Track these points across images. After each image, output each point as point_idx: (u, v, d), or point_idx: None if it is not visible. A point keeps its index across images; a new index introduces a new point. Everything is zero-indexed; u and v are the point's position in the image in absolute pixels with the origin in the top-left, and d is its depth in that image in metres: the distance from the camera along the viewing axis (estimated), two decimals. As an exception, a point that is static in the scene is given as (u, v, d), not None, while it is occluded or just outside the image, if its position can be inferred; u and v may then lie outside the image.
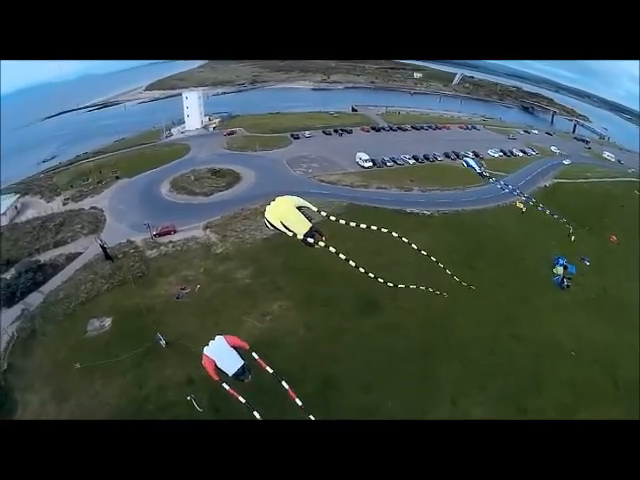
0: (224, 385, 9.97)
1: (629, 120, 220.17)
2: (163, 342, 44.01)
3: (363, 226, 11.24)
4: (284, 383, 10.19)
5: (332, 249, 9.92)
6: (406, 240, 13.85)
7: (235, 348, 10.65)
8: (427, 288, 19.67)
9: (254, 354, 10.49)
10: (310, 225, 9.93)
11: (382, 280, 12.95)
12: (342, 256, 10.38)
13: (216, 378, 10.19)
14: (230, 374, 10.26)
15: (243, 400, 9.59)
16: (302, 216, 10.02)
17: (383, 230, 11.75)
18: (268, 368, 10.29)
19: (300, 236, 9.68)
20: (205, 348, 10.60)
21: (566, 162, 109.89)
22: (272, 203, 10.04)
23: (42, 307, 51.99)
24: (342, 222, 10.92)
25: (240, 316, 47.96)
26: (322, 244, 9.79)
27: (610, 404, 39.87)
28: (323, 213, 10.79)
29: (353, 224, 10.98)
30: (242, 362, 10.43)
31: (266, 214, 9.92)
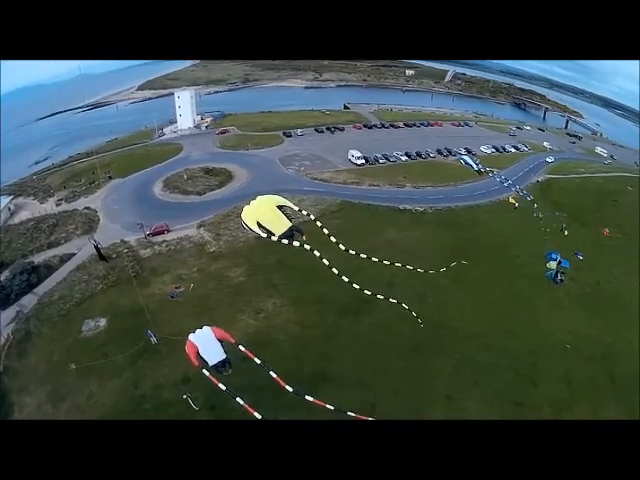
0: (204, 371, 9.96)
1: (622, 116, 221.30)
2: (154, 339, 43.81)
3: (333, 239, 11.07)
4: (272, 373, 10.15)
5: (307, 246, 9.74)
6: (376, 259, 13.94)
7: (221, 340, 10.65)
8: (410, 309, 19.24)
9: (240, 347, 10.46)
10: (290, 224, 9.71)
11: (357, 286, 13.00)
12: (317, 253, 10.29)
13: (196, 364, 10.19)
14: (210, 364, 10.27)
15: (223, 387, 9.54)
16: (282, 215, 9.80)
17: (351, 252, 11.77)
18: (256, 359, 10.27)
19: (276, 237, 9.45)
20: (191, 334, 10.59)
21: (549, 159, 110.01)
22: (251, 202, 9.80)
23: (37, 308, 51.60)
24: (319, 224, 10.78)
25: (234, 314, 47.91)
26: (297, 243, 9.56)
27: (606, 399, 40.02)
28: (304, 212, 10.68)
29: (326, 231, 10.87)
30: (224, 356, 10.43)
31: (243, 215, 9.66)
